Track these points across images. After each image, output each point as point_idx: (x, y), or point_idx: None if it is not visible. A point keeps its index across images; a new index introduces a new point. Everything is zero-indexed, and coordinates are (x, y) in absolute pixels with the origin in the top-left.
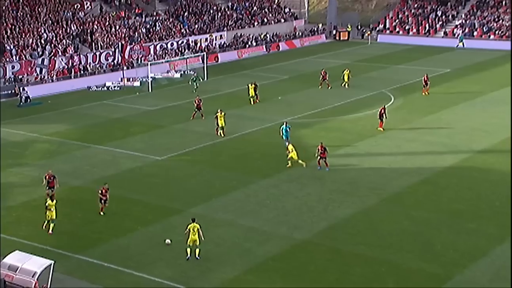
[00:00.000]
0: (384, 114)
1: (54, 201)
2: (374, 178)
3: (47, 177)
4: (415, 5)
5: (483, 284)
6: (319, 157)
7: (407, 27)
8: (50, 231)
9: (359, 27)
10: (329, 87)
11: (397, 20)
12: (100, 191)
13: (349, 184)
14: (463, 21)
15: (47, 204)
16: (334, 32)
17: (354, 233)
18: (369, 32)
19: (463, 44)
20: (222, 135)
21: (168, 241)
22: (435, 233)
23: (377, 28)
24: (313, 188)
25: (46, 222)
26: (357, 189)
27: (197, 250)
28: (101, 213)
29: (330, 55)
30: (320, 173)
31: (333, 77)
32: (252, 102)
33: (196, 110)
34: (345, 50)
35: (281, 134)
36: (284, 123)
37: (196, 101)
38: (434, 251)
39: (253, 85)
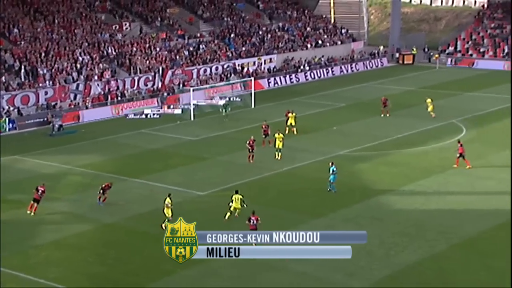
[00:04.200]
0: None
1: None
2: (444, 220)
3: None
4: (492, 25)
5: None
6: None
7: (482, 50)
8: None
9: (426, 50)
10: (388, 115)
11: (470, 42)
12: (39, 191)
13: (414, 226)
14: None
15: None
16: (397, 55)
17: (422, 282)
18: (437, 55)
19: None
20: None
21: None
22: None
23: (447, 51)
24: (373, 230)
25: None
26: (423, 232)
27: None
28: (32, 213)
29: (393, 80)
30: (380, 214)
31: (397, 106)
32: (295, 132)
33: (264, 136)
34: (410, 75)
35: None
36: (331, 163)
37: (264, 127)
38: None
39: (293, 114)
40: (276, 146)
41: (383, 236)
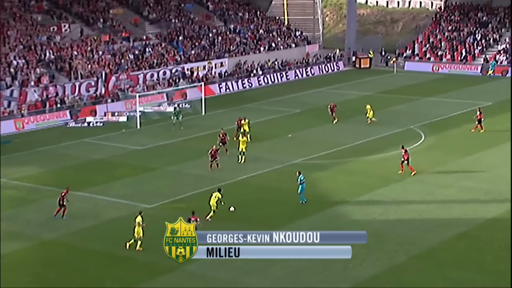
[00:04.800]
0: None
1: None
2: (403, 230)
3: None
4: (449, 28)
5: None
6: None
7: (439, 53)
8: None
9: (383, 53)
10: (335, 121)
11: (427, 45)
12: None
13: (373, 237)
14: (507, 46)
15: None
16: (353, 58)
17: None
18: (394, 59)
19: (493, 72)
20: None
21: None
22: None
23: (404, 54)
24: None
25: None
26: (382, 243)
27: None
28: None
29: (350, 85)
30: (338, 224)
31: (354, 111)
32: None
33: (221, 144)
34: (367, 80)
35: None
36: (298, 173)
37: (221, 135)
38: None
39: (247, 120)
40: (240, 149)
41: None
